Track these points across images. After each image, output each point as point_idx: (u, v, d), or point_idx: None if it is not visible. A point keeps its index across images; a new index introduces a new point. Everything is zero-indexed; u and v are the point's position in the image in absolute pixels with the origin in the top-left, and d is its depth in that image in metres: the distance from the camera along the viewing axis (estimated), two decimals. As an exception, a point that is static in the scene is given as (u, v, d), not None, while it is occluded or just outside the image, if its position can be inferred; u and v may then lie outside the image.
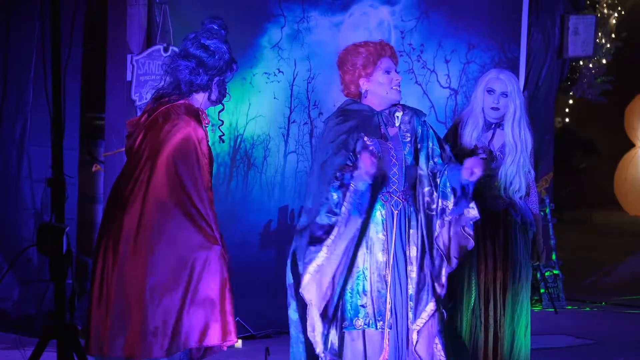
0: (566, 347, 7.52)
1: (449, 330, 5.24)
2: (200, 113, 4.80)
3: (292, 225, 7.80)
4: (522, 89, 6.09)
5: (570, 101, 13.30)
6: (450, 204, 5.04)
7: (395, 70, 5.10)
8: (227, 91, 4.88)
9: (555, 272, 9.16)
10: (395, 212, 5.02)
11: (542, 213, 8.62)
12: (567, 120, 14.19)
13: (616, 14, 12.12)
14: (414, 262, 5.03)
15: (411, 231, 5.05)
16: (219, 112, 5.03)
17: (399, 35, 8.15)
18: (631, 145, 15.22)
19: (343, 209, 4.92)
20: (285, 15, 7.68)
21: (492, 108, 5.45)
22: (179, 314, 4.64)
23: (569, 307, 9.15)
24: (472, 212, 5.06)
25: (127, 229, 4.64)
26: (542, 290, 9.04)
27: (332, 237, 4.94)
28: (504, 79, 5.46)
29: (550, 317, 8.70)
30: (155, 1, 7.15)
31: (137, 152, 4.74)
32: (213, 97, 4.84)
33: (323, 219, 4.93)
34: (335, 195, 4.93)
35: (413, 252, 5.04)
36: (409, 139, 5.10)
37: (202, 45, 4.77)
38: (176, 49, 6.31)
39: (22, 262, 7.21)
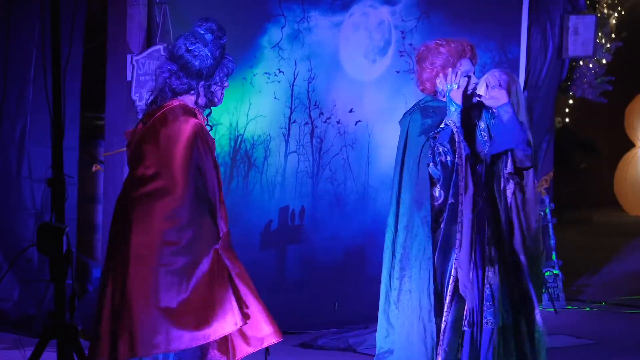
0: (566, 347, 7.51)
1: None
2: (196, 112, 4.76)
3: (293, 226, 7.80)
4: (522, 89, 6.08)
5: (570, 101, 13.28)
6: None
7: (474, 73, 5.05)
8: (214, 96, 4.80)
9: (555, 272, 9.15)
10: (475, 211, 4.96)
11: (542, 213, 8.64)
12: (567, 120, 14.16)
13: (616, 14, 12.09)
14: (493, 262, 5.01)
15: (490, 231, 5.02)
16: (207, 115, 4.97)
17: (399, 35, 8.14)
18: (631, 145, 15.21)
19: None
20: (286, 15, 7.68)
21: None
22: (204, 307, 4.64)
23: (569, 307, 9.14)
24: None
25: (138, 243, 4.56)
26: (542, 290, 9.02)
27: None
28: (505, 79, 5.46)
29: (550, 317, 8.68)
30: (155, 1, 7.14)
31: (138, 161, 4.67)
32: (200, 101, 4.78)
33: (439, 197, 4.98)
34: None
35: (491, 252, 5.01)
36: (486, 137, 5.07)
37: (186, 49, 4.72)
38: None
39: (22, 262, 7.20)
